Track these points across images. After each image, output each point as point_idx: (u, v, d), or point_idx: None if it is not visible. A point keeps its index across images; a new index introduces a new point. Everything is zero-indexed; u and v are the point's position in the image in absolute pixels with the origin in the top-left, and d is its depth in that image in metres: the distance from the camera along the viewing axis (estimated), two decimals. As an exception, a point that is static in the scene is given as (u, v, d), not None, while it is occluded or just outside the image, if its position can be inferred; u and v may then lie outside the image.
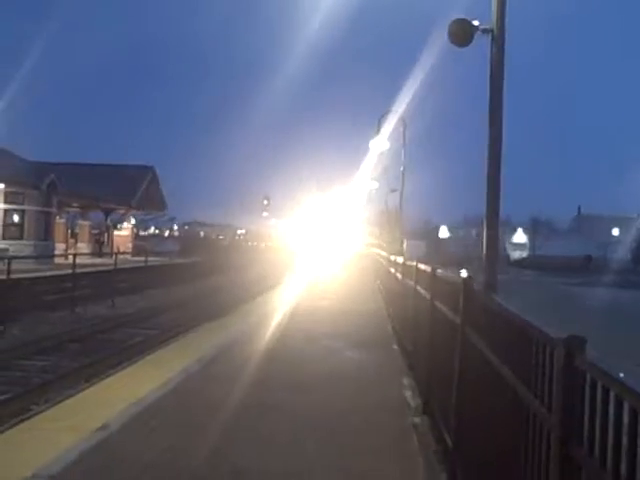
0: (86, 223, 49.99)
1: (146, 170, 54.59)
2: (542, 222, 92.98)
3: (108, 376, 9.10)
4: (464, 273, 5.11)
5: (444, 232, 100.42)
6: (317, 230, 77.58)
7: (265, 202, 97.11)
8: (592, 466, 2.17)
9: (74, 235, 48.27)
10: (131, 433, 6.31)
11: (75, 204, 46.62)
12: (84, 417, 6.73)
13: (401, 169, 28.55)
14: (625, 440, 1.91)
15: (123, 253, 39.05)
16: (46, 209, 35.74)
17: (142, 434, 6.28)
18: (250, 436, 6.34)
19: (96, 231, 50.84)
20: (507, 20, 8.20)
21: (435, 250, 61.83)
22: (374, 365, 10.32)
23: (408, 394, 8.33)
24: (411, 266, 10.40)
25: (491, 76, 8.19)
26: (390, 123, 27.54)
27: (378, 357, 10.95)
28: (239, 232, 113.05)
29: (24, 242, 33.84)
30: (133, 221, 60.96)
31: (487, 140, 8.23)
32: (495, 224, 8.36)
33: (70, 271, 24.61)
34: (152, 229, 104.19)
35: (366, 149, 32.10)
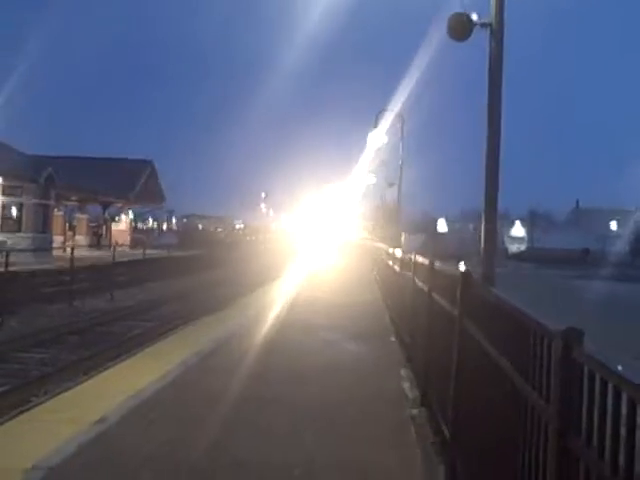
0: (84, 216, 49.97)
1: (145, 164, 54.60)
2: (540, 215, 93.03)
3: (107, 369, 9.12)
4: (462, 266, 5.12)
5: (442, 226, 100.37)
6: (314, 223, 77.73)
7: (263, 195, 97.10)
8: (590, 457, 2.18)
9: (72, 228, 48.29)
10: (130, 425, 6.33)
11: (73, 197, 46.60)
12: (83, 409, 6.75)
13: (399, 163, 28.57)
14: (623, 431, 1.92)
15: (121, 246, 39.05)
16: (44, 202, 35.67)
17: (141, 426, 6.30)
18: (249, 428, 6.35)
19: (94, 224, 50.82)
20: (506, 14, 8.21)
21: (433, 243, 61.72)
22: (372, 357, 10.34)
23: (406, 386, 8.35)
24: (409, 259, 10.41)
25: (490, 70, 8.20)
26: (388, 117, 27.57)
27: (376, 349, 10.97)
28: (237, 225, 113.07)
29: (22, 235, 33.80)
30: (131, 214, 60.92)
31: (485, 133, 8.25)
32: (493, 217, 8.38)
33: (68, 264, 24.62)
34: (150, 222, 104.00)
35: (364, 144, 32.18)
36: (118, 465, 5.24)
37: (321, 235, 69.55)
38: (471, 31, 8.19)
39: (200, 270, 38.19)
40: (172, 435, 6.02)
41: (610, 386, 2.04)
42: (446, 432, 5.42)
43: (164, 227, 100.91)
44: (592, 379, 2.21)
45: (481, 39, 8.31)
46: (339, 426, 6.54)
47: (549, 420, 2.58)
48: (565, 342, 2.43)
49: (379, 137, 28.11)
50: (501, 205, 8.89)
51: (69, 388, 7.90)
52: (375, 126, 27.34)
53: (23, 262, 23.98)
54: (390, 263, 15.97)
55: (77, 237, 45.40)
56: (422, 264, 8.37)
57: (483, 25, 8.18)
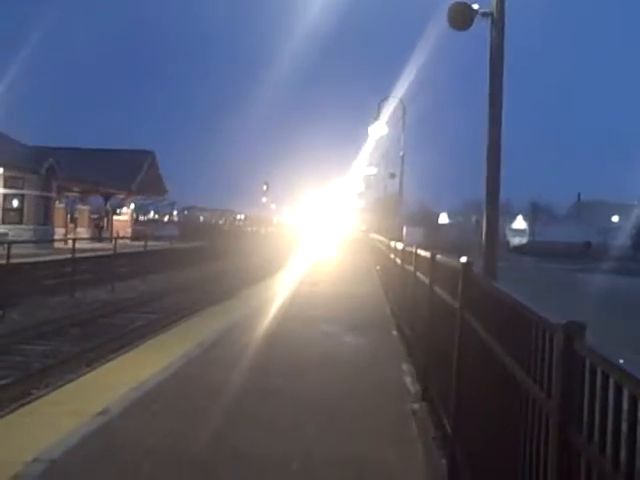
0: (85, 208, 49.94)
1: (146, 155, 54.49)
2: (542, 208, 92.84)
3: (109, 360, 9.14)
4: (464, 259, 5.11)
5: (444, 218, 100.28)
6: (316, 216, 77.76)
7: (264, 187, 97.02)
8: (591, 452, 2.18)
9: (73, 220, 48.28)
10: (132, 417, 6.34)
11: (75, 189, 46.60)
12: (85, 401, 6.76)
13: (400, 154, 28.48)
14: (625, 426, 1.92)
15: (123, 238, 39.05)
16: (45, 194, 35.70)
17: (143, 418, 6.31)
18: (250, 420, 6.36)
19: (95, 216, 50.80)
20: (507, 3, 8.17)
21: (434, 236, 61.67)
22: (373, 351, 10.34)
23: (407, 380, 8.35)
24: (410, 252, 10.41)
25: (491, 60, 8.17)
26: (389, 108, 27.50)
27: (377, 342, 10.97)
28: (238, 217, 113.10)
29: (23, 227, 33.85)
30: (132, 206, 60.93)
31: (487, 126, 8.22)
32: (495, 210, 8.37)
33: (70, 256, 24.62)
34: (152, 214, 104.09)
35: (365, 136, 32.12)
36: (120, 457, 5.25)
37: (322, 228, 69.59)
38: (472, 20, 8.14)
39: (201, 262, 38.20)
40: (174, 427, 6.04)
41: (612, 380, 2.04)
42: (447, 426, 5.43)
43: (165, 219, 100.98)
44: (593, 373, 2.20)
45: (482, 29, 8.27)
46: (340, 421, 6.55)
47: (550, 414, 2.58)
48: (567, 335, 2.43)
49: (380, 128, 28.03)
50: (502, 198, 8.89)
51: (71, 380, 7.92)
52: (376, 118, 27.25)
53: (25, 254, 23.98)
54: (391, 256, 15.97)
55: (79, 229, 45.38)
56: (423, 257, 8.37)
57: (484, 14, 8.14)
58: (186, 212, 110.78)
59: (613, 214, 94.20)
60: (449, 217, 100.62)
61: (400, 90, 27.31)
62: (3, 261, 19.52)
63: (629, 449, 1.88)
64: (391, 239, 19.20)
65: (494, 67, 8.15)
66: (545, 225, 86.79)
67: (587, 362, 2.27)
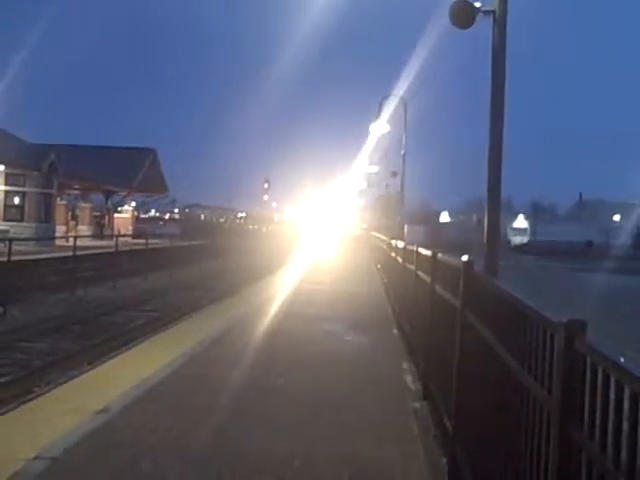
0: (87, 205, 49.93)
1: (147, 152, 54.43)
2: (543, 207, 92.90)
3: (110, 358, 9.14)
4: (465, 258, 5.10)
5: (445, 217, 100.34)
6: (317, 215, 77.81)
7: (266, 186, 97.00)
8: (592, 450, 2.18)
9: (75, 217, 48.26)
10: (133, 415, 6.34)
11: (76, 186, 46.58)
12: (86, 399, 6.76)
13: (402, 152, 28.44)
14: (626, 426, 1.92)
15: (124, 236, 39.07)
16: (47, 191, 35.70)
17: (144, 416, 6.31)
18: (251, 418, 6.37)
19: (97, 213, 50.80)
20: (509, 1, 8.15)
21: (436, 235, 61.68)
22: (374, 349, 10.35)
23: (408, 378, 8.36)
24: (412, 250, 10.41)
25: (493, 59, 8.14)
26: (390, 107, 27.46)
27: (378, 341, 10.98)
28: (240, 215, 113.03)
29: (25, 224, 33.86)
30: (134, 204, 60.92)
31: (488, 125, 8.21)
32: (496, 209, 8.35)
33: (71, 253, 24.64)
34: (153, 212, 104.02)
35: (366, 135, 32.11)
36: (121, 455, 5.25)
37: (323, 226, 69.64)
38: (474, 18, 8.11)
39: (202, 260, 38.20)
40: (175, 425, 6.04)
41: (613, 379, 2.04)
42: (448, 425, 5.43)
43: (166, 217, 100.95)
44: (594, 371, 2.20)
45: (484, 27, 8.24)
46: (341, 418, 6.55)
47: (551, 412, 2.58)
48: (568, 334, 2.43)
49: (381, 127, 28.00)
50: (504, 196, 8.88)
51: (73, 377, 7.92)
52: (377, 116, 27.21)
53: (26, 251, 24.00)
54: (393, 255, 15.98)
55: (80, 227, 45.38)
56: (425, 255, 8.36)
57: (486, 12, 8.11)
58: (187, 210, 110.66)
59: (615, 213, 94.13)
60: (450, 216, 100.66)
61: (401, 88, 27.28)
62: (4, 258, 19.54)
63: (630, 448, 1.88)
64: (392, 237, 19.21)
65: (496, 66, 8.12)
66: (546, 224, 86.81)
67: (588, 360, 2.27)
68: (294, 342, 10.41)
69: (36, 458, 5.07)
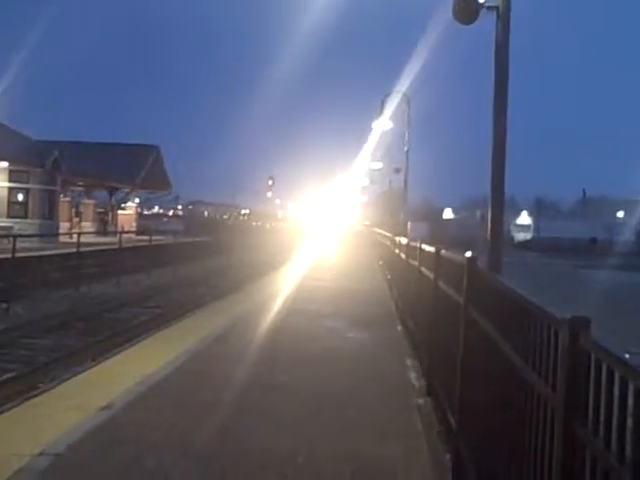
0: (90, 202, 49.99)
1: (151, 149, 54.45)
2: (547, 204, 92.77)
3: (114, 355, 9.15)
4: (469, 254, 5.09)
5: (448, 213, 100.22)
6: (319, 210, 77.87)
7: (270, 182, 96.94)
8: (596, 447, 2.17)
9: (78, 214, 48.29)
10: (136, 412, 6.35)
11: (79, 183, 46.64)
12: (90, 396, 6.78)
13: (405, 149, 28.42)
14: (630, 422, 1.91)
15: (127, 232, 39.06)
16: (50, 187, 35.75)
17: (147, 413, 6.32)
18: (254, 414, 6.37)
19: (100, 210, 50.85)
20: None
21: (439, 231, 61.61)
22: (377, 346, 10.35)
23: (412, 375, 8.36)
24: (415, 247, 10.40)
25: (496, 54, 8.11)
26: (393, 104, 27.44)
27: (381, 338, 10.97)
28: (243, 212, 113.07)
29: (28, 221, 33.93)
30: (137, 200, 60.95)
31: (492, 121, 8.19)
32: (500, 206, 8.34)
33: (75, 249, 24.66)
34: (156, 208, 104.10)
35: (368, 132, 32.10)
36: (124, 451, 5.26)
37: (326, 222, 69.68)
38: (477, 14, 8.08)
39: (206, 256, 38.22)
40: (178, 421, 6.05)
41: (617, 375, 2.03)
42: (452, 421, 5.42)
43: (170, 213, 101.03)
44: (599, 368, 2.20)
45: (487, 23, 8.22)
46: (344, 414, 6.56)
47: (555, 408, 2.58)
48: (572, 330, 2.42)
49: (384, 123, 27.98)
50: (507, 193, 8.85)
51: (77, 374, 7.94)
52: (380, 113, 27.19)
53: (30, 248, 24.04)
54: (396, 251, 15.97)
55: (84, 223, 45.40)
56: (428, 252, 8.36)
57: (490, 8, 8.08)
58: (191, 207, 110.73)
59: (618, 210, 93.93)
60: (453, 212, 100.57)
61: (404, 85, 27.26)
62: (8, 255, 19.56)
63: (634, 444, 1.88)
64: (395, 234, 19.19)
65: (499, 61, 8.10)
66: (550, 221, 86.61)
67: (592, 357, 2.26)
68: (297, 339, 10.41)
69: (40, 454, 5.08)
